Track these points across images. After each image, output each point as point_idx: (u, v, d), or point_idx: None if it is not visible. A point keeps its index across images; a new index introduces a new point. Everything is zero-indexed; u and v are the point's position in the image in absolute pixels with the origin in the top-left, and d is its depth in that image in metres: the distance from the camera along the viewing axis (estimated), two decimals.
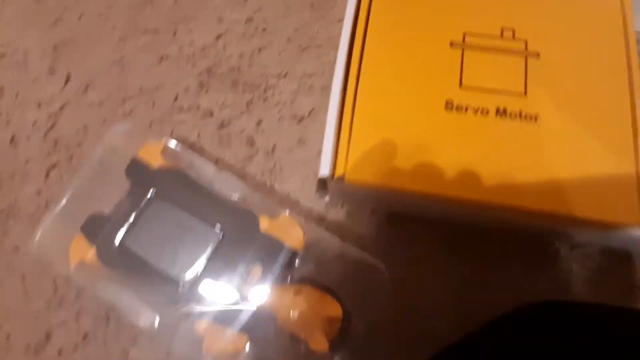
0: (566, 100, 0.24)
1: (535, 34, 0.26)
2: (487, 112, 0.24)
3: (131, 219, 0.25)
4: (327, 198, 0.29)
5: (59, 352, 0.28)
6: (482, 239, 0.29)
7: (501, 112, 0.24)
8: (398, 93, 0.25)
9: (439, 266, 0.29)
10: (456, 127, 0.24)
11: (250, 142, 0.32)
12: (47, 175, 0.32)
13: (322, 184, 0.26)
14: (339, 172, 0.24)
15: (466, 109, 0.24)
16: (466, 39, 0.26)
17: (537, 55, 0.26)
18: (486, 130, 0.24)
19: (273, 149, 0.32)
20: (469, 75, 0.25)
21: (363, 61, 0.26)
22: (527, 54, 0.26)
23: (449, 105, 0.24)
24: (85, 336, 0.28)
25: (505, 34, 0.26)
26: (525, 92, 0.25)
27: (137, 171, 0.26)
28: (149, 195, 0.25)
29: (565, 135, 0.24)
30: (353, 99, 0.25)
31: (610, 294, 0.28)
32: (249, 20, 0.36)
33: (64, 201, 0.27)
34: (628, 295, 0.28)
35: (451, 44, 0.26)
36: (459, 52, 0.26)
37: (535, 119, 0.24)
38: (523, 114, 0.24)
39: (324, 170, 0.24)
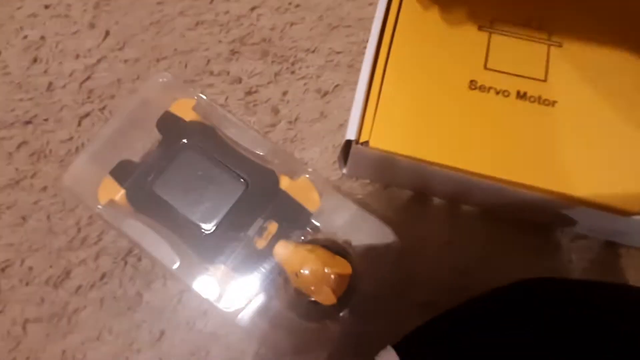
0: (584, 89, 0.25)
1: (561, 25, 0.27)
2: (508, 94, 0.25)
3: (161, 166, 0.26)
4: (344, 170, 0.31)
5: (77, 289, 0.29)
6: (486, 223, 0.30)
7: (521, 95, 0.25)
8: (426, 69, 0.26)
9: (442, 244, 0.30)
10: (478, 105, 0.25)
11: (275, 111, 0.34)
12: (80, 123, 0.33)
13: (344, 152, 0.27)
14: (364, 137, 0.25)
15: (489, 89, 0.25)
16: (494, 24, 0.27)
17: (560, 45, 0.27)
18: (506, 111, 0.25)
19: (296, 119, 0.34)
20: (494, 58, 0.26)
21: (395, 36, 0.27)
22: (551, 43, 0.27)
23: (472, 85, 0.26)
24: (102, 276, 0.29)
25: (531, 23, 0.27)
26: (546, 79, 0.26)
27: (169, 123, 0.28)
28: (180, 145, 0.27)
29: (580, 122, 0.25)
30: (383, 70, 0.26)
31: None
32: None
33: (95, 144, 0.28)
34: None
35: (479, 27, 0.27)
36: (487, 35, 0.27)
37: (553, 104, 0.25)
38: (542, 99, 0.25)
39: (350, 134, 0.25)
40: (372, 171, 0.30)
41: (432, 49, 0.27)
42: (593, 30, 0.27)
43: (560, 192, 0.24)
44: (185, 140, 0.27)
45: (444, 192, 0.29)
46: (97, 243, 0.30)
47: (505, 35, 0.27)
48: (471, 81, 0.26)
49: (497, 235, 0.30)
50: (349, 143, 0.25)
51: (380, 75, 0.26)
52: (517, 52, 0.26)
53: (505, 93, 0.25)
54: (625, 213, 0.23)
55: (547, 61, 0.26)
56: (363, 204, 0.31)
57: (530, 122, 0.25)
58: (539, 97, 0.25)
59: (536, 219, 0.29)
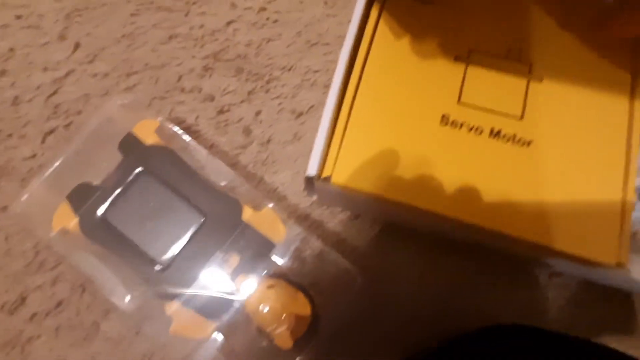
0: (562, 130, 0.24)
1: (542, 59, 0.25)
2: (482, 132, 0.24)
3: (116, 193, 0.25)
4: (314, 197, 0.29)
5: (32, 316, 0.28)
6: (462, 255, 0.29)
7: (495, 133, 0.24)
8: (396, 101, 0.25)
9: (414, 277, 0.29)
10: (449, 142, 0.24)
11: (247, 132, 0.32)
12: (44, 140, 0.32)
13: (310, 182, 0.25)
14: (326, 172, 0.24)
15: (461, 126, 0.24)
16: (471, 55, 0.25)
17: (540, 80, 0.25)
18: (478, 149, 0.24)
19: (268, 140, 0.32)
20: (469, 91, 0.25)
21: (366, 64, 0.26)
22: (530, 78, 0.25)
23: (444, 120, 0.24)
24: (59, 304, 0.28)
25: (511, 53, 0.25)
26: (522, 116, 0.24)
27: (130, 146, 0.26)
28: (136, 171, 0.25)
29: (555, 166, 0.23)
30: (351, 101, 0.25)
31: (583, 326, 0.28)
32: (262, 9, 0.36)
33: (55, 166, 0.27)
34: (601, 329, 0.28)
35: (456, 58, 0.25)
36: (462, 67, 0.25)
37: (529, 144, 0.24)
38: (517, 138, 0.24)
39: (312, 169, 0.24)
40: (341, 202, 0.28)
41: (404, 80, 0.25)
42: (576, 65, 0.25)
43: (531, 240, 0.22)
44: (143, 166, 0.25)
45: (413, 226, 0.28)
46: (54, 268, 0.29)
47: (482, 67, 0.25)
48: (443, 116, 0.24)
49: (472, 268, 0.29)
50: (310, 177, 0.24)
51: (348, 107, 0.25)
52: (494, 86, 0.25)
53: (478, 130, 0.24)
54: (600, 265, 0.22)
55: (525, 97, 0.24)
56: (333, 233, 0.30)
57: (503, 163, 0.23)
58: (514, 136, 0.24)
59: (514, 256, 0.28)
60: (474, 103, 0.25)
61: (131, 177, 0.25)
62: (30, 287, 0.29)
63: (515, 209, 0.23)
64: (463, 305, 0.28)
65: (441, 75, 0.25)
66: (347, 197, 0.25)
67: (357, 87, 0.25)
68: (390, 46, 0.26)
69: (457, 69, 0.25)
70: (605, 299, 0.28)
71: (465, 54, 0.25)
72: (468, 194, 0.23)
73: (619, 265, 0.22)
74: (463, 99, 0.25)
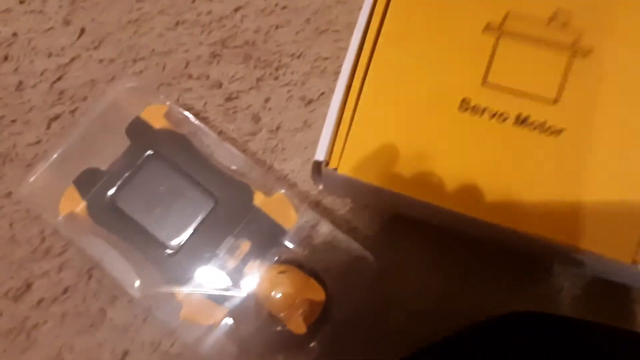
0: (604, 118, 0.21)
1: (596, 26, 0.21)
2: (505, 119, 0.22)
3: (125, 177, 0.24)
4: (320, 186, 0.29)
5: (38, 302, 0.28)
6: (473, 246, 0.29)
7: (521, 121, 0.21)
8: (410, 85, 0.23)
9: (424, 268, 0.28)
10: (467, 131, 0.22)
11: (256, 119, 0.32)
12: (49, 125, 0.32)
13: (317, 170, 0.25)
14: (333, 162, 0.23)
15: (483, 112, 0.22)
16: (505, 23, 0.22)
17: (587, 54, 0.21)
18: (498, 140, 0.21)
19: (277, 128, 0.32)
20: (497, 70, 0.22)
21: (377, 46, 0.24)
22: (575, 50, 0.21)
23: (464, 105, 0.22)
24: (65, 290, 0.28)
25: (556, 18, 0.22)
26: (557, 100, 0.21)
27: (138, 130, 0.26)
28: (146, 155, 0.25)
29: (586, 158, 0.21)
30: (359, 87, 0.23)
31: (597, 317, 0.28)
32: None
33: (60, 151, 0.26)
34: (615, 319, 0.27)
35: (486, 28, 0.22)
36: (493, 39, 0.22)
37: (559, 133, 0.21)
38: (546, 126, 0.21)
39: (319, 155, 0.23)
40: (347, 193, 0.28)
41: (419, 60, 0.23)
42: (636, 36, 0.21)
43: (550, 238, 0.21)
44: (153, 150, 0.25)
45: (421, 218, 0.27)
46: (61, 254, 0.28)
47: (517, 38, 0.22)
48: (463, 100, 0.22)
49: (483, 259, 0.29)
50: (318, 164, 0.23)
51: (356, 93, 0.23)
52: (528, 62, 0.21)
53: (502, 117, 0.22)
54: (616, 262, 0.20)
55: (565, 76, 0.21)
56: (343, 221, 0.29)
57: (524, 155, 0.21)
58: (543, 124, 0.21)
59: (528, 251, 0.27)
60: (501, 84, 0.22)
61: (140, 161, 0.25)
62: (36, 274, 0.28)
63: (537, 206, 0.21)
64: (473, 298, 0.28)
65: (465, 51, 0.22)
66: (353, 187, 0.25)
67: (365, 72, 0.24)
68: (405, 20, 0.23)
69: (486, 42, 0.22)
70: (621, 290, 0.28)
71: (499, 20, 0.22)
72: (485, 189, 0.21)
73: (634, 262, 0.21)
74: (490, 78, 0.22)
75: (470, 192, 0.22)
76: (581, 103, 0.21)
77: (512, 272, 0.28)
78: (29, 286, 0.28)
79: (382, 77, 0.24)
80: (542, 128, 0.22)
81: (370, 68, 0.24)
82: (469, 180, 0.22)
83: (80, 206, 0.24)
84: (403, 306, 0.27)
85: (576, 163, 0.21)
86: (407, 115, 0.23)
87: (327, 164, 0.23)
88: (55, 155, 0.27)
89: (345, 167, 0.23)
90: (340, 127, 0.23)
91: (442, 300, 0.27)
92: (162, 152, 0.25)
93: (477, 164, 0.22)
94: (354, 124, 0.23)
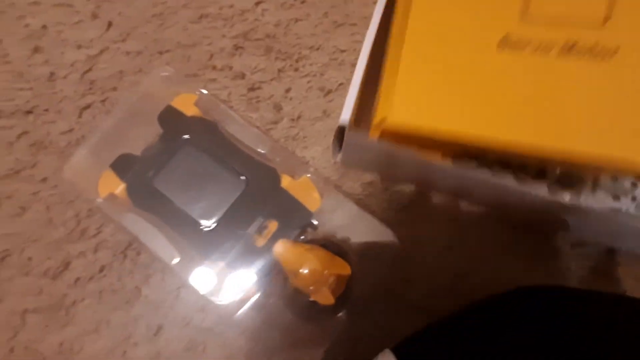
0: None
1: None
2: (550, 49, 0.21)
3: (161, 161, 0.26)
4: (338, 157, 0.30)
5: (76, 281, 0.29)
6: (486, 226, 0.30)
7: (568, 48, 0.20)
8: (452, 24, 0.22)
9: (441, 247, 0.30)
10: (509, 68, 0.21)
11: (278, 108, 0.34)
12: (80, 114, 0.33)
13: (339, 137, 0.26)
14: (381, 113, 0.23)
15: (526, 45, 0.21)
16: None
17: None
18: (543, 74, 0.21)
19: (298, 117, 0.33)
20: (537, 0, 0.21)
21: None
22: None
23: (504, 42, 0.21)
24: (101, 269, 0.30)
25: None
26: (607, 19, 0.20)
27: (171, 118, 0.27)
28: (181, 141, 0.26)
29: None
30: (401, 33, 0.23)
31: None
32: None
33: (96, 137, 0.28)
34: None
35: None
36: None
37: (613, 53, 0.20)
38: (597, 49, 0.20)
39: (344, 117, 0.24)
40: (366, 163, 0.29)
41: (458, 3, 0.22)
42: None
43: (599, 156, 0.20)
44: (186, 136, 0.27)
45: (441, 188, 0.28)
46: (96, 236, 0.30)
47: None
48: (503, 38, 0.21)
49: (496, 239, 0.30)
50: (342, 130, 0.24)
51: (400, 38, 0.23)
52: None
53: (546, 48, 0.21)
54: None
55: None
56: (363, 205, 0.31)
57: (576, 84, 0.20)
58: (593, 47, 0.20)
59: (531, 219, 0.28)
60: (544, 12, 0.21)
61: (175, 146, 0.26)
62: (73, 254, 0.30)
63: (587, 125, 0.20)
64: (485, 276, 0.30)
65: None
66: (375, 154, 0.25)
67: (406, 22, 0.24)
68: None
69: None
70: (627, 266, 0.30)
71: None
72: (533, 119, 0.21)
73: None
74: (531, 8, 0.21)
75: (517, 124, 0.21)
76: (636, 16, 0.20)
77: (524, 251, 0.30)
78: (66, 265, 0.30)
79: (422, 24, 0.23)
80: (592, 52, 0.20)
81: (411, 18, 0.24)
82: (516, 111, 0.21)
83: (120, 188, 0.26)
84: (422, 284, 0.29)
85: (634, 82, 0.20)
86: (449, 59, 0.23)
87: (352, 125, 0.24)
88: (92, 141, 0.28)
89: (396, 116, 0.22)
90: (385, 79, 0.23)
91: (458, 276, 0.29)
92: (195, 137, 0.27)
93: (523, 100, 0.21)
94: (399, 73, 0.23)
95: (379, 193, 0.31)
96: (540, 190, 0.24)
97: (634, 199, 0.27)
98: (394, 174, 0.30)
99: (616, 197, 0.27)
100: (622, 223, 0.24)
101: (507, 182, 0.24)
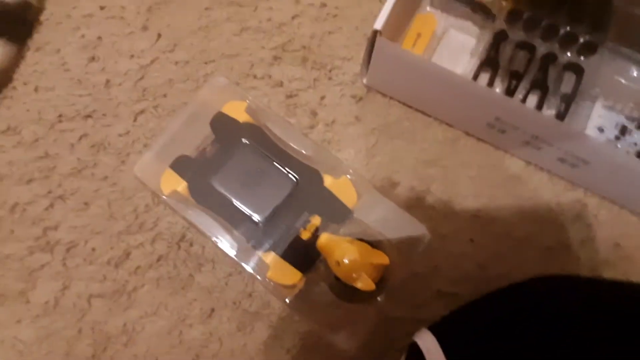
0: None
1: None
2: None
3: (219, 163, 0.29)
4: (365, 80, 0.34)
5: (136, 269, 0.33)
6: (504, 224, 0.33)
7: None
8: None
9: (464, 241, 0.33)
10: None
11: (313, 114, 0.37)
12: (135, 119, 0.36)
13: (369, 52, 0.30)
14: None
15: None
16: None
17: None
18: None
19: (332, 122, 0.37)
20: None
21: None
22: None
23: None
24: (159, 258, 0.33)
25: None
26: None
27: (224, 123, 0.31)
28: (236, 144, 0.30)
29: None
30: None
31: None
32: (323, 5, 0.40)
33: (160, 140, 0.31)
34: None
35: None
36: None
37: None
38: None
39: (379, 23, 0.28)
40: (392, 81, 0.33)
41: None
42: None
43: None
44: (242, 140, 0.30)
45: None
46: (152, 229, 0.33)
47: None
48: None
49: (513, 234, 0.34)
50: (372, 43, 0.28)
51: None
52: None
53: None
54: None
55: None
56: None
57: None
58: None
59: None
60: None
61: (231, 149, 0.30)
62: (133, 245, 0.33)
63: None
64: (506, 267, 0.33)
65: None
66: (402, 65, 0.29)
67: None
68: None
69: None
70: (633, 259, 0.33)
71: None
72: None
73: None
74: None
75: None
76: None
77: (539, 243, 0.33)
78: (127, 255, 0.33)
79: None
80: None
81: None
82: None
83: (182, 186, 0.29)
84: (448, 273, 0.32)
85: None
86: None
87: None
88: (157, 145, 0.31)
89: None
90: None
91: (481, 268, 0.32)
92: (248, 141, 0.30)
93: None
94: None
95: (407, 196, 0.34)
96: None
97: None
98: (418, 97, 0.34)
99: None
100: None
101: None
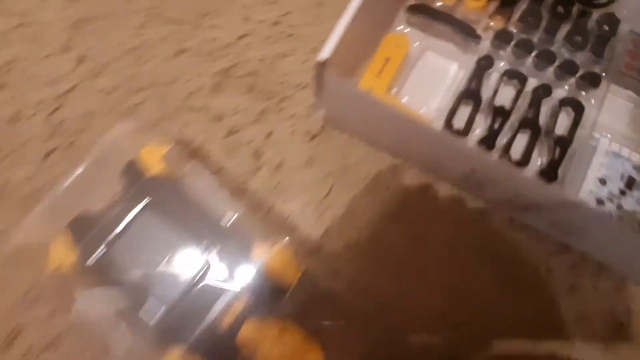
0: None
1: None
2: None
3: (118, 230, 0.23)
4: (320, 113, 0.29)
5: (30, 348, 0.27)
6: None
7: None
8: None
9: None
10: None
11: (257, 155, 0.31)
12: (45, 159, 0.30)
13: (319, 76, 0.25)
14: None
15: None
16: None
17: None
18: None
19: (280, 165, 0.31)
20: None
21: None
22: None
23: None
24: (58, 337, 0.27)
25: None
26: None
27: (133, 175, 0.25)
28: (140, 205, 0.24)
29: None
30: None
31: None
32: (276, 23, 0.34)
33: (56, 191, 0.25)
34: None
35: None
36: None
37: None
38: None
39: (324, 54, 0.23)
40: (349, 114, 0.28)
41: None
42: None
43: None
44: (146, 200, 0.24)
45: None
46: (53, 299, 0.27)
47: None
48: None
49: (492, 310, 0.27)
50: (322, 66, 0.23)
51: None
52: None
53: None
54: None
55: None
56: (346, 261, 0.28)
57: None
58: None
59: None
60: None
61: (134, 212, 0.24)
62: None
63: None
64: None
65: None
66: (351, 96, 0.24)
67: None
68: None
69: None
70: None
71: None
72: None
73: None
74: None
75: None
76: None
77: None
78: (16, 335, 0.27)
79: None
80: None
81: None
82: None
83: (71, 257, 0.23)
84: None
85: None
86: None
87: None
88: (50, 195, 0.25)
89: None
90: None
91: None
92: (157, 201, 0.24)
93: None
94: None
95: (354, 259, 0.28)
96: None
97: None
98: (381, 137, 0.29)
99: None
100: None
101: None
